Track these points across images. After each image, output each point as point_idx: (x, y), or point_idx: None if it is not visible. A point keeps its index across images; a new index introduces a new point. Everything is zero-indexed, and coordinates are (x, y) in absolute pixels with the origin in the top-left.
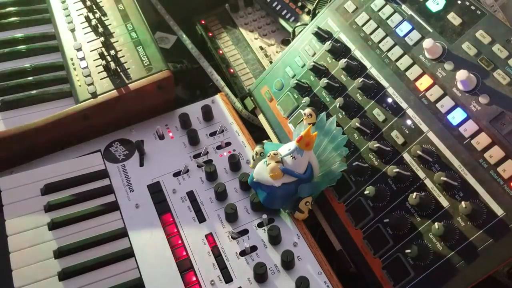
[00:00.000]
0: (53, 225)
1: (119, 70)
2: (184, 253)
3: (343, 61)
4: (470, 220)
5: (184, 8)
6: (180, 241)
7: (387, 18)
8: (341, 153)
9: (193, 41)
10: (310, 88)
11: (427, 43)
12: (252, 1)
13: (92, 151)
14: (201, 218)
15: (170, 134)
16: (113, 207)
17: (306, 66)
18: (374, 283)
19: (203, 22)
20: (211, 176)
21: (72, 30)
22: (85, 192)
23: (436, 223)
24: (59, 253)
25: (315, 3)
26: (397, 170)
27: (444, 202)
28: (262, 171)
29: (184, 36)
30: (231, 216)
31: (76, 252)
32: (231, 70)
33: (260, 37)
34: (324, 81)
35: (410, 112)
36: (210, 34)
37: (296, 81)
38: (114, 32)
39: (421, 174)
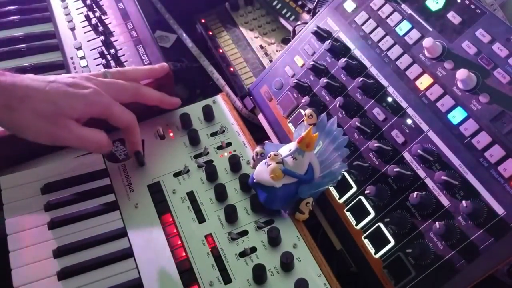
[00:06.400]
0: (53, 225)
1: None
2: (184, 254)
3: (342, 61)
4: (470, 219)
5: (184, 6)
6: (179, 242)
7: (387, 17)
8: (342, 154)
9: (193, 40)
10: (309, 88)
11: (427, 42)
12: (252, 0)
13: None
14: (201, 219)
15: (171, 134)
16: (113, 207)
17: (306, 65)
18: (374, 283)
19: (203, 20)
20: (211, 176)
21: (72, 29)
22: (85, 191)
23: (436, 223)
24: (58, 253)
25: (315, 2)
26: (398, 169)
27: (445, 202)
28: (262, 172)
29: (184, 35)
30: (231, 217)
31: (75, 252)
32: (231, 69)
33: (260, 35)
34: (324, 80)
35: (410, 111)
36: (210, 33)
37: (296, 81)
38: (114, 31)
39: (421, 173)
